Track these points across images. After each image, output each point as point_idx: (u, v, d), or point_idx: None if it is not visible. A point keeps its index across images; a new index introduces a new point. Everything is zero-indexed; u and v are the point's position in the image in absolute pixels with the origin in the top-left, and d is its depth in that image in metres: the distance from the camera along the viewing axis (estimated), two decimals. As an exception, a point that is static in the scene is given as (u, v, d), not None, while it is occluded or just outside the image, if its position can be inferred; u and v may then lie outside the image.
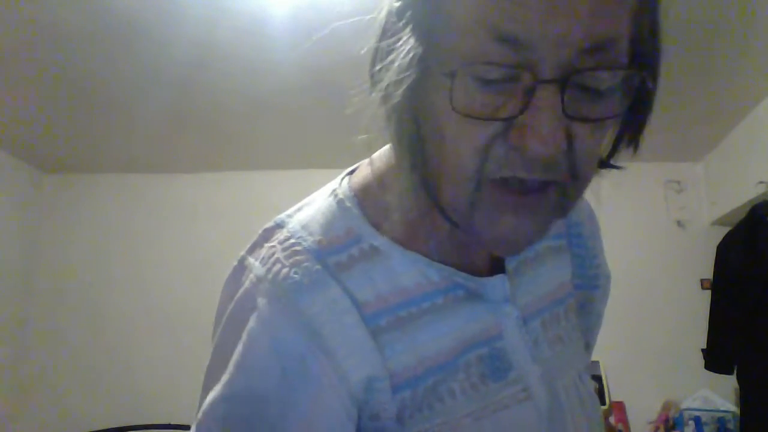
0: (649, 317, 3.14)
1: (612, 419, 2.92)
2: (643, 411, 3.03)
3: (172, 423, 2.93)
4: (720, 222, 3.16)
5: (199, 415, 0.48)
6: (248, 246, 0.53)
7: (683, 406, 2.97)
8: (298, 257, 0.49)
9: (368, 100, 0.47)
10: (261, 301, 0.48)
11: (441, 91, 0.42)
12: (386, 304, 0.50)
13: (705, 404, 2.93)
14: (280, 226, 0.53)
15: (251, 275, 0.50)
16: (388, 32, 0.46)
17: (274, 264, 0.49)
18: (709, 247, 2.82)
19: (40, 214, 3.42)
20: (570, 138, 0.41)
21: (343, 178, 0.56)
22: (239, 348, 0.47)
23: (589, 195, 0.68)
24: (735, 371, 2.53)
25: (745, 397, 2.46)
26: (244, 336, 0.47)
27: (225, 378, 0.47)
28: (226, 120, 2.81)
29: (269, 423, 0.46)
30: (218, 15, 1.96)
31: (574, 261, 0.65)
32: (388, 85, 0.44)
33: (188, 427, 0.50)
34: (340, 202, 0.53)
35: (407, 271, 0.51)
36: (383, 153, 0.54)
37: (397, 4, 0.45)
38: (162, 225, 3.41)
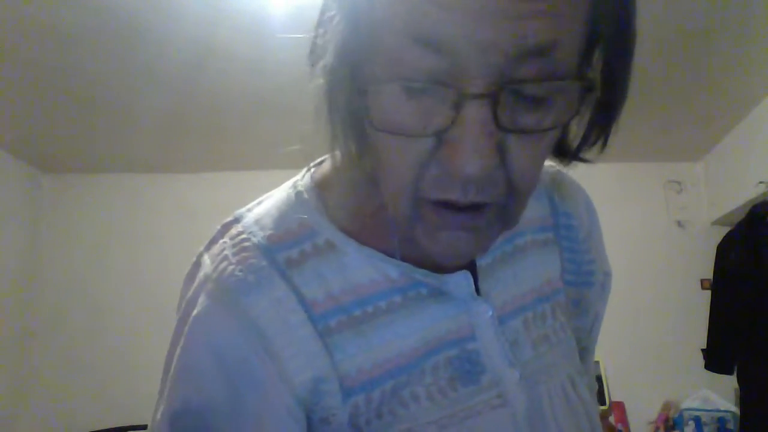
0: (649, 317, 3.14)
1: (612, 419, 2.92)
2: (643, 411, 3.03)
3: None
4: (720, 222, 3.16)
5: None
6: (207, 241, 0.50)
7: (683, 406, 2.96)
8: (245, 254, 0.46)
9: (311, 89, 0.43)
10: (203, 302, 0.45)
11: (366, 97, 0.37)
12: (337, 303, 0.46)
13: (705, 404, 2.93)
14: (237, 220, 0.50)
15: (201, 273, 0.48)
16: (324, 18, 0.41)
17: (221, 261, 0.46)
18: (709, 247, 2.83)
19: (40, 214, 3.42)
20: (504, 151, 0.37)
21: (308, 170, 0.53)
22: (178, 353, 0.45)
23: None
24: (735, 371, 2.53)
25: (745, 397, 2.46)
26: (183, 341, 0.45)
27: (166, 389, 0.45)
28: (226, 120, 2.81)
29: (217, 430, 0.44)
30: (218, 15, 1.96)
31: (563, 255, 0.59)
32: (320, 74, 0.41)
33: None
34: (298, 194, 0.50)
35: (362, 268, 0.47)
36: None
37: None
38: (162, 225, 3.40)
